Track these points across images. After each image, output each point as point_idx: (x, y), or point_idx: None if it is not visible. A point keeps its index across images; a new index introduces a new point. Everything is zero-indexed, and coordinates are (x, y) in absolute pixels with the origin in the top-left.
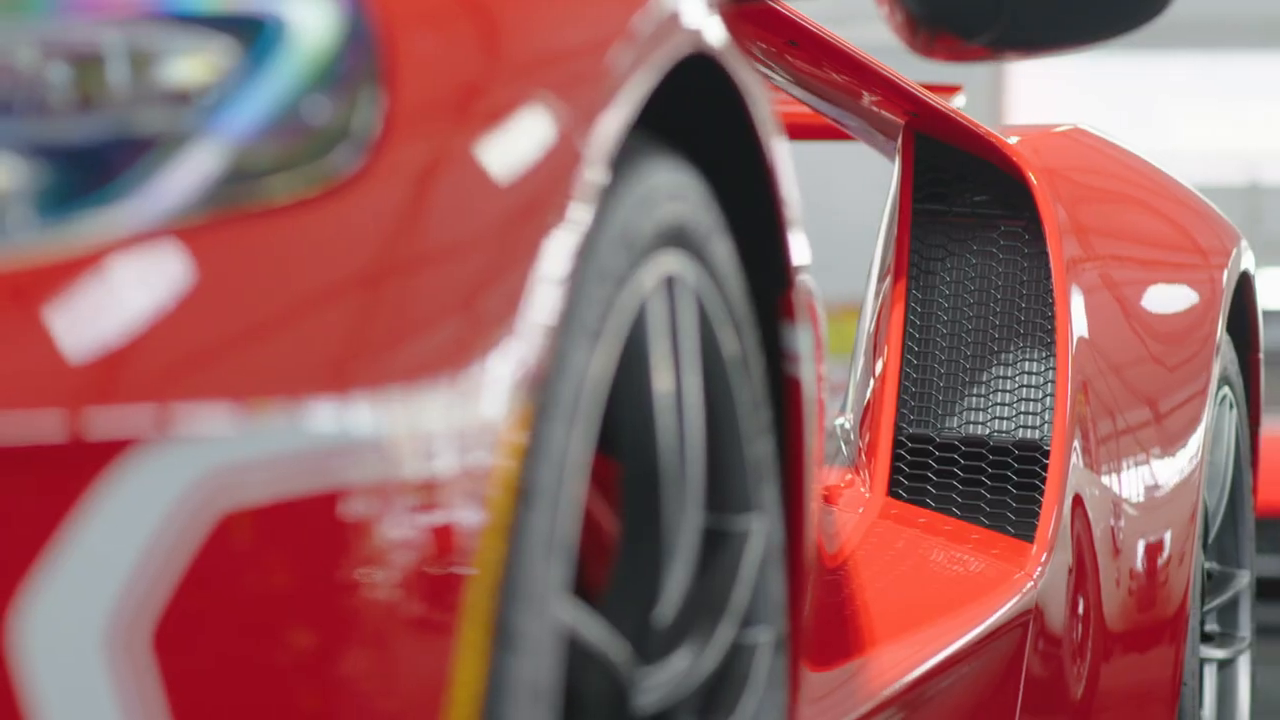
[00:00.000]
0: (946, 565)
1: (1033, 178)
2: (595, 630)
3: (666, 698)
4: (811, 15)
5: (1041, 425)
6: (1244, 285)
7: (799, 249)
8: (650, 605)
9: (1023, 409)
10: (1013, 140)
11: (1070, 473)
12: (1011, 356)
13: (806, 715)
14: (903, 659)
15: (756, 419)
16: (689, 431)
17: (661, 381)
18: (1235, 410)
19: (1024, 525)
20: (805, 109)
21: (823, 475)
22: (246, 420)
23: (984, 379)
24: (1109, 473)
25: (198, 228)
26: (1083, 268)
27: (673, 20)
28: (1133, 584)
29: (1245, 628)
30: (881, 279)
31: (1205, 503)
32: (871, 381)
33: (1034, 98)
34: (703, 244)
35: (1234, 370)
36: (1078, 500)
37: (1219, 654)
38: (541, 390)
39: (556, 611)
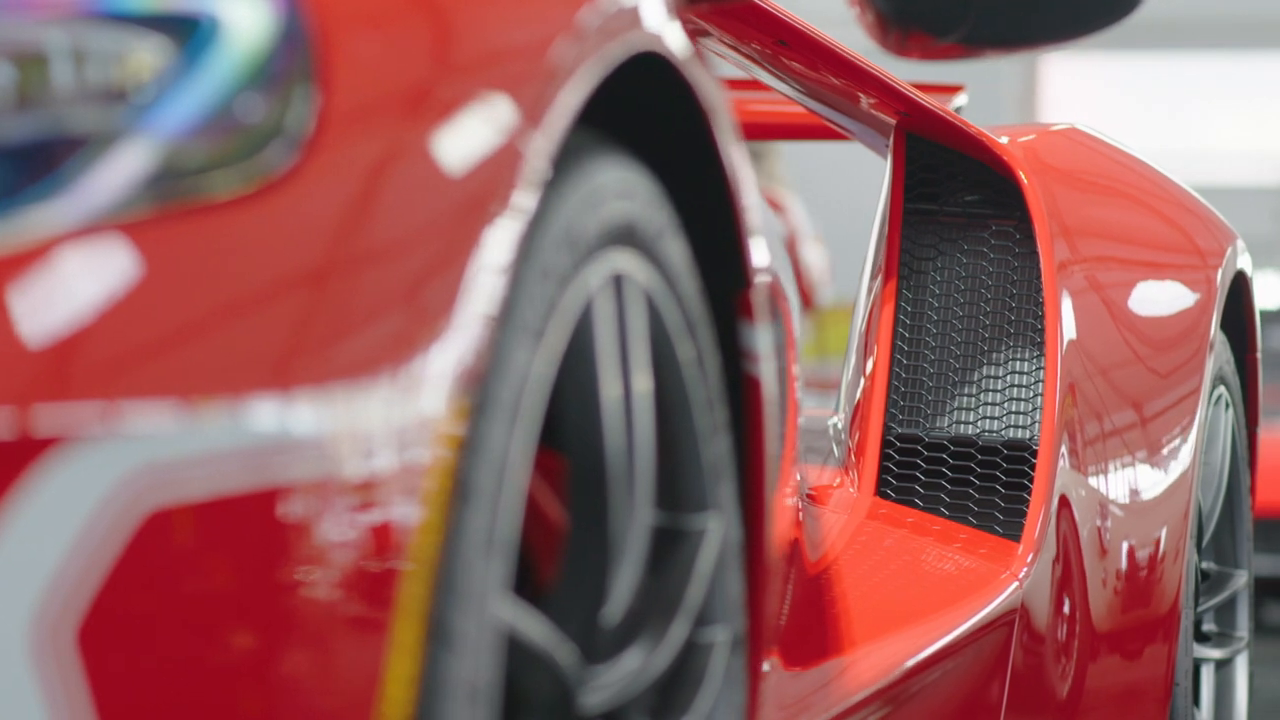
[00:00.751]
0: (932, 565)
1: (1023, 177)
2: (538, 629)
3: (617, 696)
4: (809, 16)
5: (1031, 425)
6: (1240, 285)
7: (758, 249)
8: (597, 604)
9: (1012, 409)
10: (1005, 140)
11: (1058, 473)
12: (1001, 356)
13: (786, 712)
14: (883, 658)
15: (712, 418)
16: (638, 430)
17: (608, 380)
18: (1232, 410)
19: (1012, 525)
20: (801, 109)
21: (795, 474)
22: (178, 417)
23: (973, 379)
24: (1097, 473)
25: (130, 225)
26: (1073, 268)
27: (619, 18)
28: (1120, 584)
29: (1243, 627)
30: (873, 278)
31: (1199, 503)
32: (862, 381)
33: (1068, 97)
34: (653, 243)
35: (1230, 370)
36: (1065, 501)
37: (1217, 654)
38: (480, 388)
39: (496, 610)
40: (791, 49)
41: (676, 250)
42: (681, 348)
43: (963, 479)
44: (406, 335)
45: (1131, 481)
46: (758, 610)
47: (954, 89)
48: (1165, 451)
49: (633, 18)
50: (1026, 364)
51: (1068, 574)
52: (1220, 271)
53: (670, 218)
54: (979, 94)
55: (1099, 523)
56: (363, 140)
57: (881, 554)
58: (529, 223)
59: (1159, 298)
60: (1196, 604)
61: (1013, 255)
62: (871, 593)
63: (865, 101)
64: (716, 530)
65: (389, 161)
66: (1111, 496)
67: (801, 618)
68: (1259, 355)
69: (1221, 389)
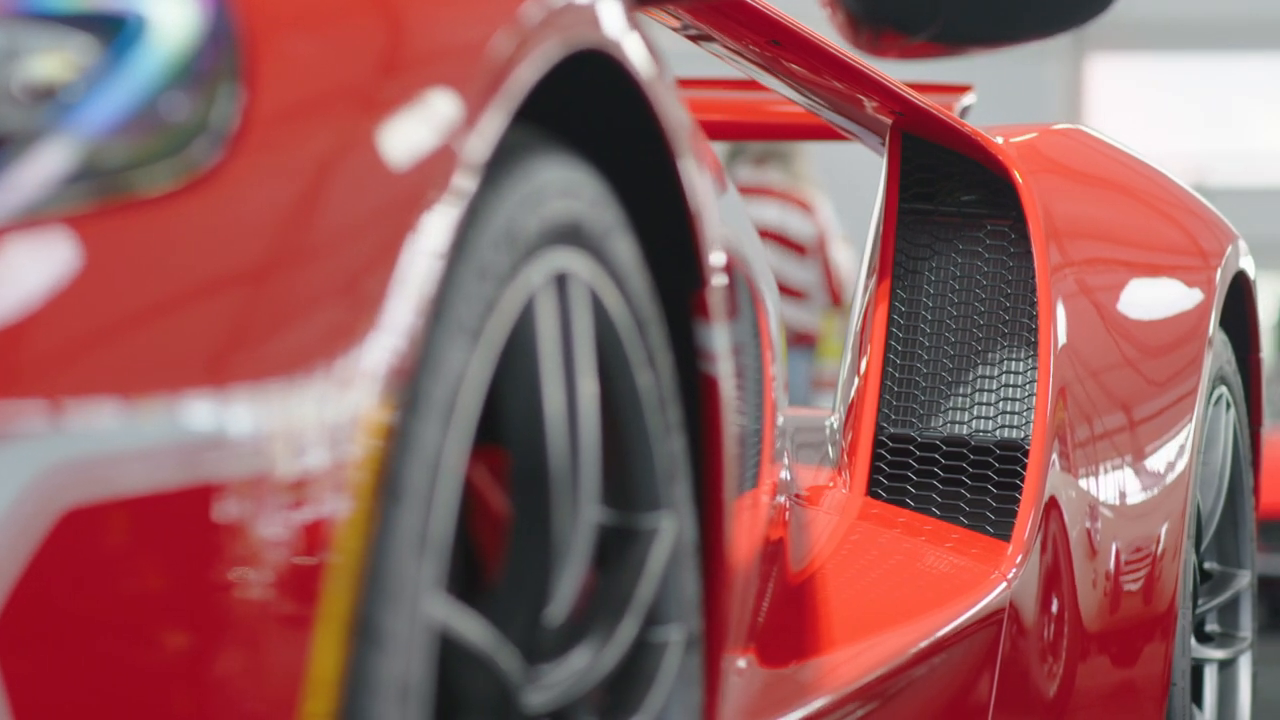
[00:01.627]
0: (920, 565)
1: (1018, 177)
2: (475, 629)
3: (564, 695)
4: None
5: (1024, 425)
6: (1241, 285)
7: (712, 249)
8: (540, 604)
9: (1005, 409)
10: (1003, 140)
11: (1049, 474)
12: (995, 356)
13: (765, 708)
14: (865, 657)
15: (665, 416)
16: (583, 429)
17: (551, 379)
18: (1233, 410)
19: (1003, 526)
20: (801, 109)
21: (779, 474)
22: (100, 414)
23: (967, 379)
24: (1089, 475)
25: (53, 222)
26: (1067, 268)
27: (560, 16)
28: (1111, 584)
29: (1246, 628)
30: (869, 278)
31: (1198, 503)
32: (856, 381)
33: (1113, 98)
34: (601, 242)
35: (1231, 370)
36: (1055, 502)
37: (1219, 654)
38: (411, 387)
39: (429, 609)
40: (785, 49)
41: (625, 249)
42: (631, 346)
43: (955, 479)
44: (334, 333)
45: (1124, 482)
46: (717, 610)
47: (961, 89)
48: (1160, 452)
49: (576, 16)
50: (1020, 364)
51: (1057, 574)
52: (1219, 271)
53: (618, 216)
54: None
55: (1089, 524)
56: (291, 138)
57: (869, 554)
58: (465, 221)
59: (1154, 298)
60: (1197, 604)
61: (1008, 255)
62: (857, 592)
63: (865, 102)
64: (670, 529)
65: (318, 160)
66: (1103, 497)
67: (784, 616)
68: (1262, 356)
69: (1222, 389)
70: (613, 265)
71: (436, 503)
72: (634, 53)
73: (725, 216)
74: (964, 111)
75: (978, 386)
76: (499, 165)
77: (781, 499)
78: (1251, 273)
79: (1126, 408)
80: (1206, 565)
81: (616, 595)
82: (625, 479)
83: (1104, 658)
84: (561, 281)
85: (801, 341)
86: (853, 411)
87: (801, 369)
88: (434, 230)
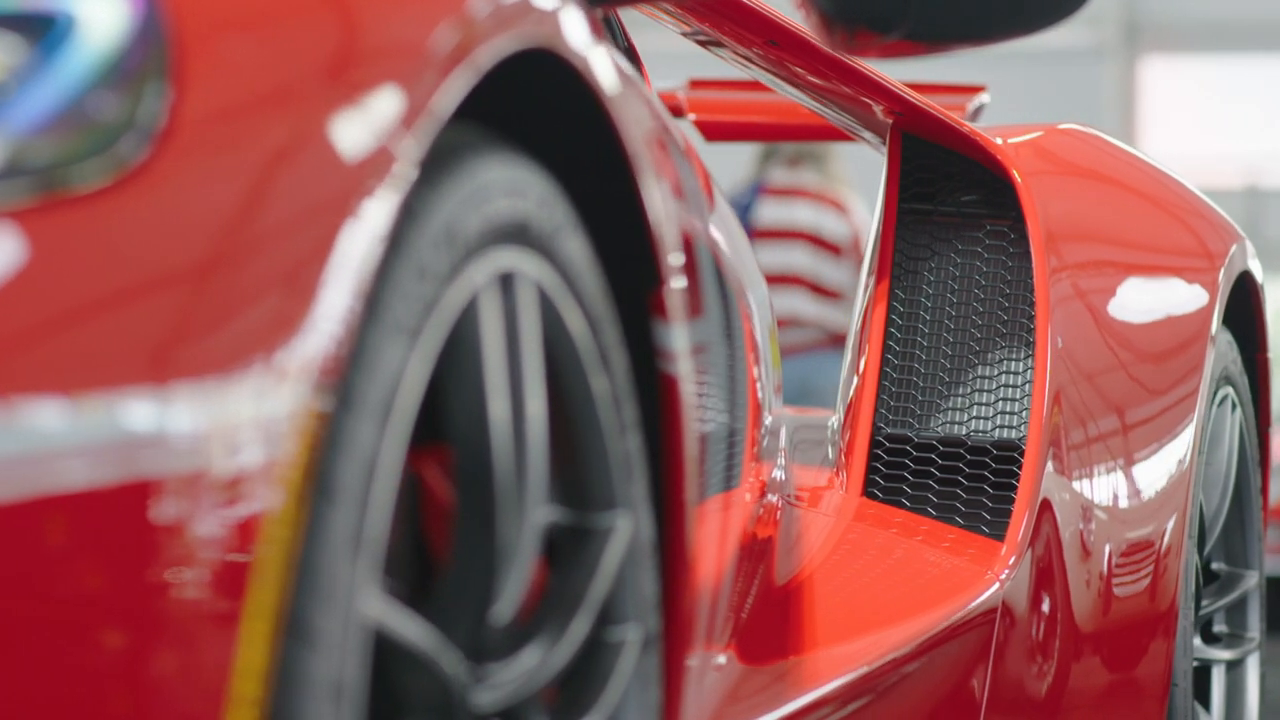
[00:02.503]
0: (912, 564)
1: (1017, 177)
2: (414, 629)
3: (514, 694)
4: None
5: (1020, 426)
6: (1246, 285)
7: (669, 248)
8: (485, 603)
9: (1002, 409)
10: (1005, 140)
11: (1044, 475)
12: (993, 356)
13: (749, 704)
14: (852, 655)
15: (620, 415)
16: (530, 428)
17: (495, 378)
18: (1239, 410)
19: (999, 526)
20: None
21: (770, 473)
22: (30, 411)
23: (964, 379)
24: (1084, 476)
25: None
26: (1065, 269)
27: (501, 17)
28: (1104, 585)
29: (1254, 628)
30: (869, 278)
31: (1201, 503)
32: (855, 381)
33: (1167, 100)
34: (549, 241)
35: (1237, 370)
36: (1049, 503)
37: (1227, 655)
38: (344, 386)
39: (364, 609)
40: (783, 49)
41: (576, 248)
42: (584, 345)
43: (951, 479)
44: (265, 331)
45: (1120, 483)
46: (678, 609)
47: (974, 89)
48: (1158, 453)
49: (522, 15)
50: (1018, 364)
51: (1050, 575)
52: (1222, 271)
53: (568, 216)
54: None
55: (1083, 525)
56: (222, 137)
57: (861, 554)
58: (402, 220)
59: (1153, 299)
60: (1200, 605)
61: (1007, 255)
62: (848, 591)
63: (864, 103)
64: (625, 529)
65: (249, 158)
66: (1098, 499)
67: (771, 613)
68: (1269, 355)
69: (1227, 389)
70: (563, 264)
71: (372, 502)
72: (585, 53)
73: (715, 224)
74: (977, 111)
75: (975, 387)
76: (439, 165)
77: (773, 498)
78: (1259, 272)
79: (1123, 409)
80: (1214, 565)
81: (569, 594)
82: (579, 478)
83: (1099, 658)
84: (507, 281)
85: (837, 342)
86: (850, 412)
87: (837, 368)
88: (367, 229)
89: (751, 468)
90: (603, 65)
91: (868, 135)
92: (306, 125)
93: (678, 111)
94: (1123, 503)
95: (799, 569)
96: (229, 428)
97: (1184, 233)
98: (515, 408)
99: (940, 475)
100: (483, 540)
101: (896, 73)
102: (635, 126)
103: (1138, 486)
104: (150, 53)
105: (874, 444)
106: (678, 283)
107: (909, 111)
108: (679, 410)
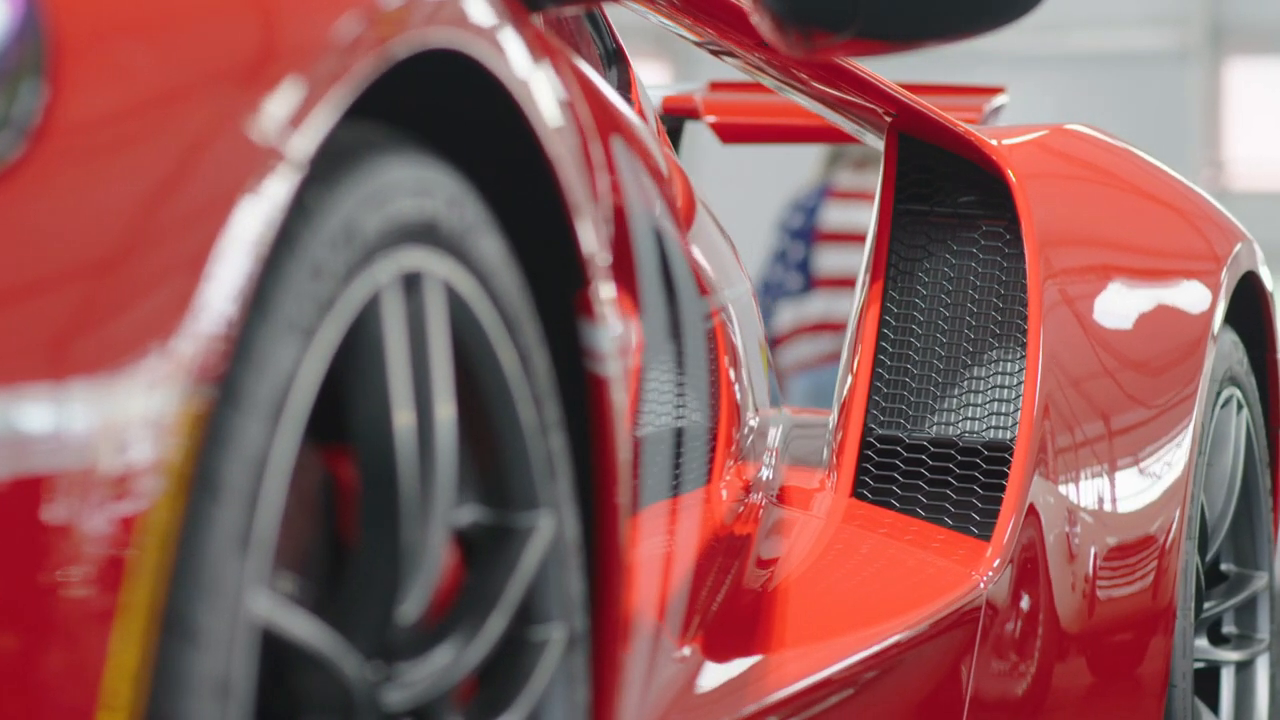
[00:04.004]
0: (897, 565)
1: (1011, 176)
2: (308, 628)
3: (425, 693)
4: None
5: (1012, 427)
6: (1252, 285)
7: (593, 248)
8: (389, 603)
9: (994, 409)
10: (1001, 140)
11: (1033, 478)
12: (986, 358)
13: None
14: (822, 655)
15: (541, 415)
16: (437, 428)
17: (398, 379)
18: (1246, 411)
19: (988, 527)
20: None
21: (756, 473)
22: None
23: (957, 380)
24: (1073, 479)
25: None
26: (1059, 270)
27: (398, 16)
28: (1089, 587)
29: (1264, 629)
30: (865, 278)
31: (1202, 505)
32: (849, 381)
33: (1253, 102)
34: (459, 241)
35: (1243, 371)
36: (1037, 505)
37: (1236, 656)
38: (230, 384)
39: (252, 607)
40: (776, 51)
41: (490, 248)
42: (501, 345)
43: (941, 480)
44: (145, 330)
45: (1111, 486)
46: (611, 608)
47: (993, 90)
48: (1152, 455)
49: (424, 15)
50: (1011, 365)
51: (1034, 576)
52: (1225, 272)
53: (480, 215)
54: (1162, 101)
55: (1069, 528)
56: (102, 136)
57: (844, 554)
58: (295, 220)
59: (1148, 302)
60: (1206, 605)
61: (1002, 256)
62: (827, 590)
63: (852, 101)
64: (548, 528)
65: (131, 157)
66: (1087, 502)
67: (745, 611)
68: (1279, 355)
69: (1233, 390)
70: (476, 264)
71: (262, 500)
72: (498, 52)
73: (697, 232)
74: (994, 113)
75: (968, 388)
76: (338, 164)
77: (755, 497)
78: (1267, 274)
79: (1114, 413)
80: (1223, 566)
81: (486, 593)
82: (499, 477)
83: (1088, 658)
84: (413, 280)
85: None
86: (843, 412)
87: None
88: (253, 228)
89: (730, 466)
90: (519, 68)
91: (870, 138)
92: (192, 125)
93: (693, 114)
94: (1112, 505)
95: (778, 568)
96: (108, 425)
97: (1185, 234)
98: (421, 407)
99: (930, 476)
100: (386, 541)
101: (935, 75)
102: (554, 127)
103: (1129, 489)
104: (27, 52)
105: (866, 444)
106: (603, 283)
107: (904, 112)
108: (607, 410)
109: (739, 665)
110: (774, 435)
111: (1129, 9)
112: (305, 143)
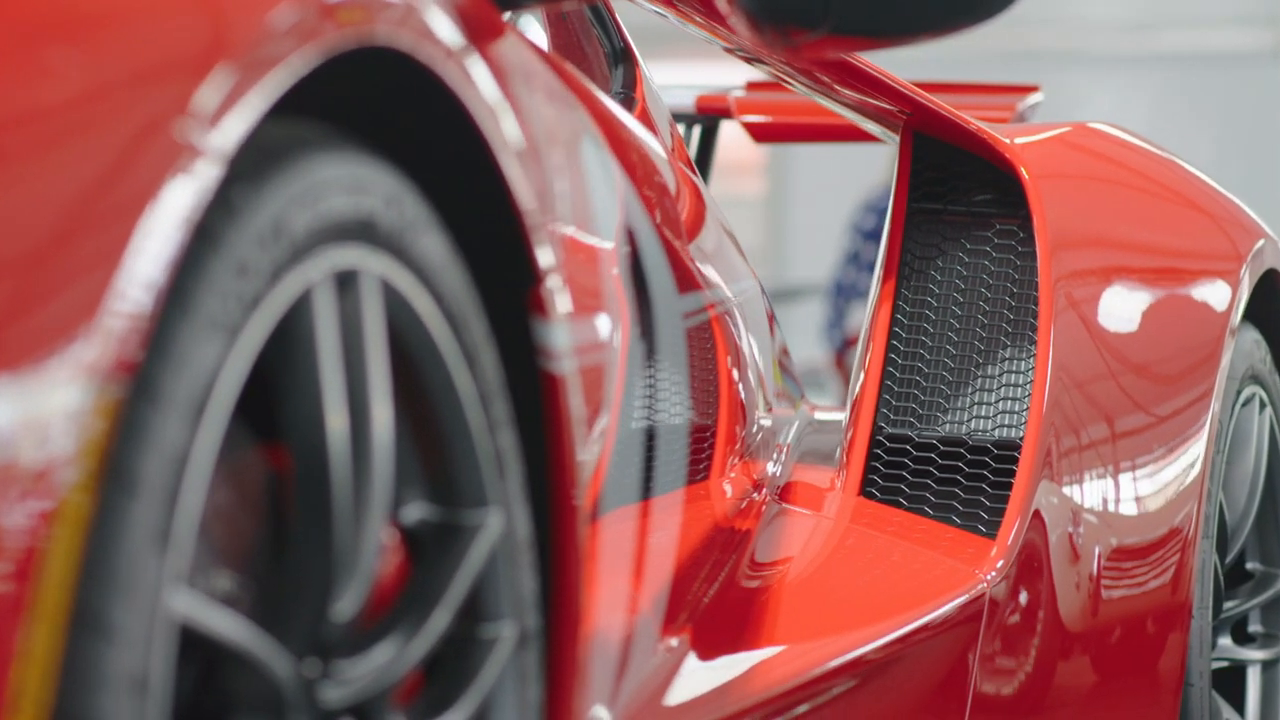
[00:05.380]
0: (901, 564)
1: (1024, 174)
2: (233, 625)
3: (365, 690)
4: None
5: (1021, 426)
6: (1275, 283)
7: (543, 246)
8: (322, 601)
9: (1004, 408)
10: (1018, 139)
11: (1040, 477)
12: (997, 357)
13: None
14: (815, 652)
15: (488, 413)
16: (374, 426)
17: (330, 376)
18: (1269, 410)
19: (995, 526)
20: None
21: (759, 471)
22: None
23: (968, 379)
24: (1080, 480)
25: None
26: (1071, 270)
27: (326, 14)
28: (1093, 586)
29: None
30: (878, 277)
31: (1220, 504)
32: (861, 379)
33: None
34: (398, 238)
35: (1266, 370)
36: (1043, 506)
37: (1261, 655)
38: (148, 381)
39: (171, 604)
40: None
41: (432, 246)
42: (445, 343)
43: (950, 478)
44: (59, 327)
45: (1120, 486)
46: (567, 606)
47: (1028, 89)
48: (1163, 456)
49: (353, 13)
50: (1022, 364)
51: (1039, 575)
52: (1244, 270)
53: (421, 213)
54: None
55: (1073, 528)
56: (16, 132)
57: (848, 552)
58: (219, 218)
59: (1161, 300)
60: (1227, 604)
61: (1015, 255)
62: (829, 588)
63: (867, 99)
64: (496, 525)
65: (43, 153)
66: (1094, 502)
67: (739, 607)
68: None
69: (1255, 389)
70: (417, 262)
71: (182, 498)
72: (442, 52)
73: (696, 231)
74: (1028, 111)
75: (978, 387)
76: (267, 162)
77: (758, 494)
78: None
79: (1125, 413)
80: (1248, 565)
81: (429, 590)
82: (447, 475)
83: (1094, 657)
84: (348, 278)
85: None
86: (854, 410)
87: None
88: (171, 224)
89: (734, 464)
90: (467, 67)
91: (883, 134)
92: (109, 121)
93: (727, 113)
94: (1123, 505)
95: (776, 564)
96: (20, 419)
97: (1204, 232)
98: (356, 405)
99: (939, 475)
100: (319, 539)
101: (1020, 75)
102: (498, 129)
103: (1139, 488)
104: None
105: (875, 443)
106: (554, 281)
107: (918, 111)
108: (561, 408)
109: (727, 659)
110: (786, 433)
111: (1222, 8)
112: (225, 138)
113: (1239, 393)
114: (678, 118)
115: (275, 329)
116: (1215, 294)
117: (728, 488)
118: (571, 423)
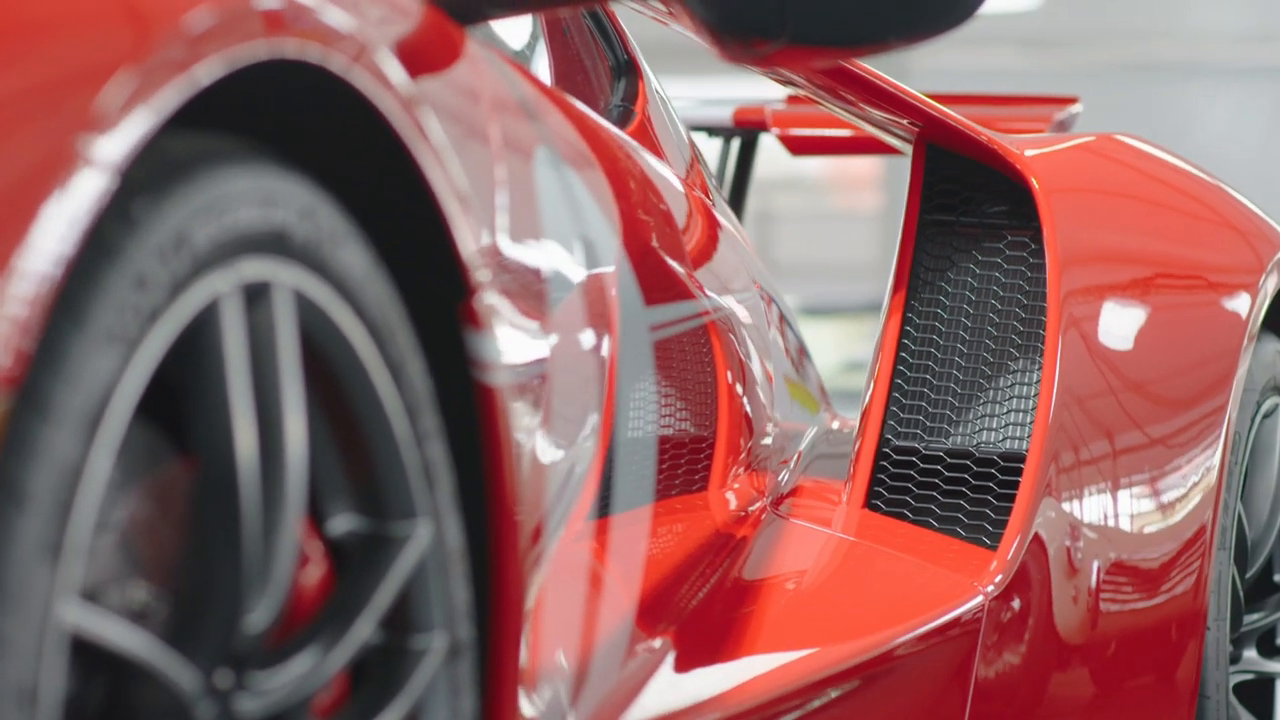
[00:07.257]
0: (901, 575)
1: (1035, 186)
2: (130, 637)
3: (283, 700)
4: None
5: (1027, 439)
6: None
7: (472, 258)
8: (232, 614)
9: (1011, 421)
10: (1030, 151)
11: (1043, 491)
12: (1007, 369)
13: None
14: (807, 661)
15: (416, 425)
16: (287, 438)
17: (237, 389)
18: None
19: (999, 539)
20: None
21: (761, 481)
22: None
23: (976, 391)
24: (1084, 495)
25: None
26: (1082, 282)
27: (225, 30)
28: (1094, 600)
29: None
30: (889, 289)
31: (1241, 517)
32: (870, 391)
33: None
34: (314, 251)
35: None
36: (1047, 520)
37: None
38: (38, 393)
39: (63, 617)
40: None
41: (351, 258)
42: (368, 356)
43: (956, 490)
44: None
45: (1126, 502)
46: (505, 616)
47: (1067, 100)
48: (1173, 469)
49: (249, 25)
50: (1031, 378)
51: (1040, 589)
52: (1263, 280)
53: (339, 226)
54: None
55: (1070, 542)
56: None
57: (849, 563)
58: (115, 230)
59: (1176, 312)
60: (1240, 618)
61: (1027, 267)
62: (822, 598)
63: (881, 112)
64: (424, 537)
65: None
66: (1097, 518)
67: (729, 615)
68: None
69: (1277, 400)
70: (335, 274)
71: (75, 511)
72: (359, 66)
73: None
74: (1066, 122)
75: (987, 399)
76: (169, 175)
77: (758, 505)
78: None
79: (1131, 427)
80: (1276, 577)
81: (352, 600)
82: (373, 487)
83: (1099, 668)
84: (258, 291)
85: None
86: (863, 422)
87: None
88: (59, 235)
89: (736, 474)
90: (392, 80)
91: (900, 146)
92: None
93: (763, 126)
94: (1130, 520)
95: (771, 575)
96: None
97: (1222, 242)
98: (267, 416)
99: (945, 487)
100: (228, 551)
101: (1137, 86)
102: (421, 139)
103: (1148, 502)
104: None
105: (882, 456)
106: (489, 294)
107: (930, 123)
108: (496, 419)
109: (704, 669)
110: (797, 443)
111: None
112: (116, 148)
113: (1259, 404)
114: (716, 132)
115: (179, 341)
116: (1232, 305)
117: (726, 497)
118: (506, 433)
